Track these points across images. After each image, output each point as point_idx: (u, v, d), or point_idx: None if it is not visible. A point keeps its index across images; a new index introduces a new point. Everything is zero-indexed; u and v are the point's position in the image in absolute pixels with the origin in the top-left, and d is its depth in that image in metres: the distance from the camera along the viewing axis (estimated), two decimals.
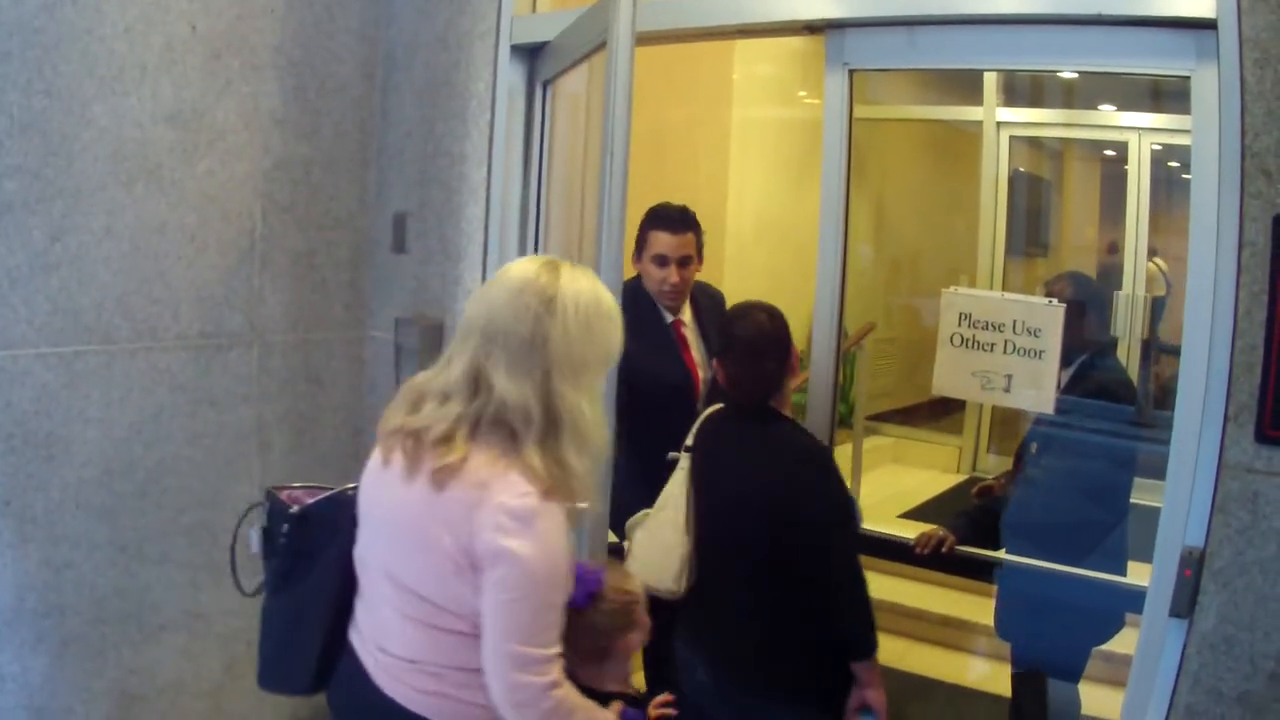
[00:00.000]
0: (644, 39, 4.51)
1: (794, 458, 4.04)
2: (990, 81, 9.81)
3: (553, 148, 5.13)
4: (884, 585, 6.89)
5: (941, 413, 10.56)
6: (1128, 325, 8.85)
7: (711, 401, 4.49)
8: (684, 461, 4.37)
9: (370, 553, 3.10)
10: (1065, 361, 4.75)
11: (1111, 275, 9.59)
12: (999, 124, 9.93)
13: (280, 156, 5.14)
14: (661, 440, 4.41)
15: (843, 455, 5.89)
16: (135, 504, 4.76)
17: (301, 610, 3.29)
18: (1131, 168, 9.49)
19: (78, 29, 4.38)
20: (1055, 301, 4.39)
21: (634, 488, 4.30)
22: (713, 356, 4.46)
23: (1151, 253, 9.80)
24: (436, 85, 5.22)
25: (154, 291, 4.73)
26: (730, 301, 4.75)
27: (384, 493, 3.03)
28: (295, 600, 3.33)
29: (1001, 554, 4.90)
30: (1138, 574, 4.27)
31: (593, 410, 2.94)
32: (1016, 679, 5.25)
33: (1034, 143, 10.73)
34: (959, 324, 4.49)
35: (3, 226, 4.26)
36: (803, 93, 10.32)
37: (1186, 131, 3.60)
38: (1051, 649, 5.05)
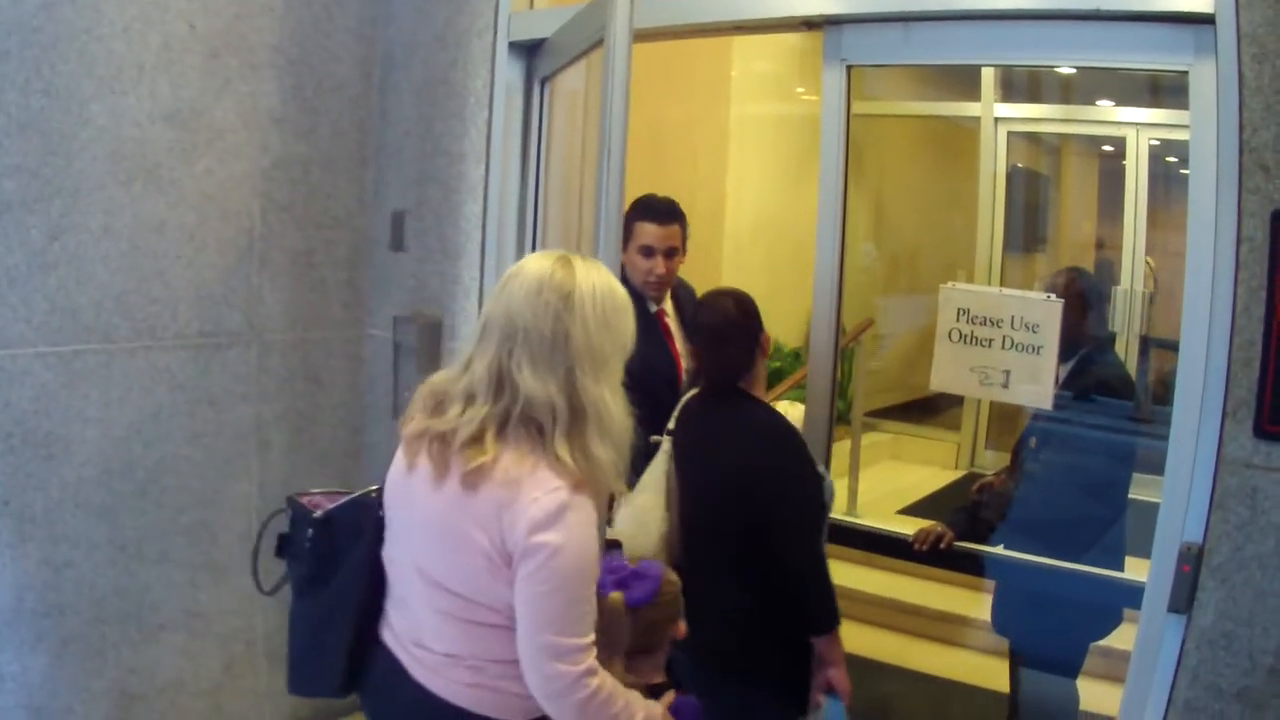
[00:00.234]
0: (642, 35, 4.51)
1: (756, 435, 4.09)
2: (988, 77, 9.81)
3: (551, 145, 5.13)
4: (882, 581, 6.90)
5: (940, 409, 10.57)
6: (1126, 320, 8.85)
7: (692, 387, 4.53)
8: (666, 445, 4.42)
9: (401, 553, 3.12)
10: (1065, 356, 4.76)
11: (1100, 270, 9.59)
12: (997, 119, 9.93)
13: (279, 155, 5.15)
14: (650, 429, 4.43)
15: (841, 451, 5.91)
16: (134, 503, 4.77)
17: (328, 613, 3.31)
18: (1129, 163, 9.48)
19: (76, 28, 4.39)
20: (1053, 297, 4.39)
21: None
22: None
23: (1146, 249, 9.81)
24: (434, 83, 5.22)
25: (152, 291, 4.73)
26: None
27: (413, 496, 3.04)
28: (321, 604, 3.35)
29: (1000, 550, 4.90)
30: (1136, 570, 4.27)
31: (614, 401, 2.97)
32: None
33: (1032, 138, 10.72)
34: (957, 319, 4.49)
35: (1, 226, 4.27)
36: (800, 89, 10.33)
37: (1184, 127, 3.60)
38: (1049, 644, 5.05)
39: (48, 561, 4.53)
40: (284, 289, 5.26)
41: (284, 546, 3.49)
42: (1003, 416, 9.60)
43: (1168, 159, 9.34)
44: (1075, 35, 3.86)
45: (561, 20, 4.70)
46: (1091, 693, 5.10)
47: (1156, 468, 3.69)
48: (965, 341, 4.46)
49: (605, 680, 2.94)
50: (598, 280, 2.98)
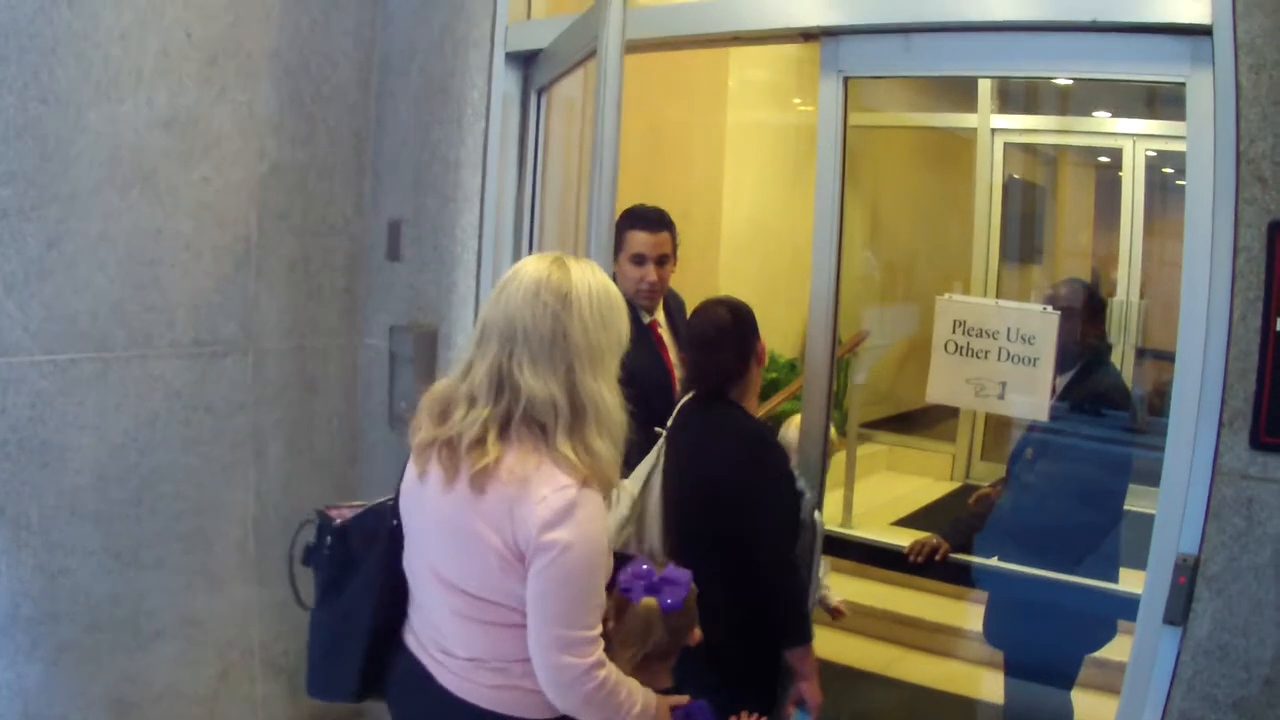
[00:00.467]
0: (640, 46, 4.54)
1: (735, 447, 4.13)
2: (985, 88, 9.82)
3: (548, 154, 5.14)
4: (877, 592, 6.90)
5: (935, 420, 10.57)
6: (1121, 331, 8.87)
7: (685, 395, 4.56)
8: (660, 442, 4.46)
9: (419, 561, 3.18)
10: (1063, 368, 4.77)
11: (1095, 280, 9.60)
12: (993, 130, 9.93)
13: (275, 163, 5.14)
14: (643, 440, 4.45)
15: (836, 462, 5.91)
16: (130, 511, 4.76)
17: (346, 619, 3.39)
18: (1126, 174, 9.49)
19: (74, 34, 4.38)
20: (1050, 308, 4.39)
21: None
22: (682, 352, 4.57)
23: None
24: (432, 92, 5.22)
25: (149, 298, 4.73)
26: None
27: (425, 504, 3.10)
28: (340, 610, 3.43)
29: (995, 561, 4.90)
30: (1130, 581, 4.27)
31: (611, 396, 3.04)
32: None
33: (1028, 149, 10.73)
34: (953, 331, 4.49)
35: None
36: (797, 99, 10.33)
37: (1181, 138, 3.59)
38: (1043, 656, 5.05)
39: (43, 569, 4.52)
40: (280, 297, 5.25)
41: (309, 555, 3.56)
42: (999, 428, 9.60)
43: (1164, 170, 9.35)
44: (1073, 46, 3.87)
45: (558, 30, 4.71)
46: (1086, 704, 5.10)
47: (1153, 479, 3.69)
48: (961, 353, 4.47)
49: (612, 670, 3.03)
50: (592, 279, 3.05)
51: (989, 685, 6.01)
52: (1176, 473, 3.50)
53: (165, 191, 4.74)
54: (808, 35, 4.42)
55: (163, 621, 4.93)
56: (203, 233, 4.89)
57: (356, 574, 3.39)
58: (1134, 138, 9.42)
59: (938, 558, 4.77)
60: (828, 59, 4.37)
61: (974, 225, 9.95)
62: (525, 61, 5.09)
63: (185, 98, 4.77)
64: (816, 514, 4.28)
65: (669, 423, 4.44)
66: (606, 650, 3.04)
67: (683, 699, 3.33)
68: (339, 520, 3.48)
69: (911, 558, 4.81)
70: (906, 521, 8.78)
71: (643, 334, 4.95)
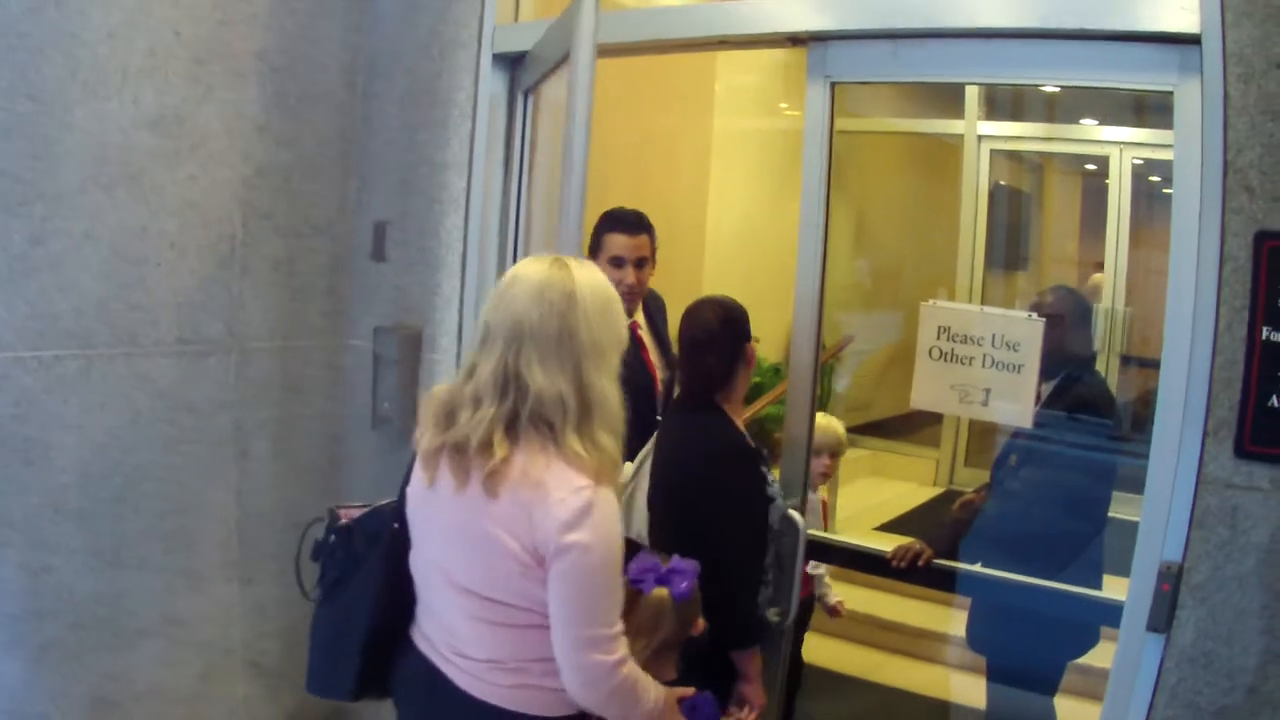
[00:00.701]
0: (627, 50, 4.53)
1: (707, 450, 4.17)
2: (972, 94, 9.83)
3: (534, 156, 5.13)
4: (860, 597, 6.90)
5: (919, 425, 10.58)
6: (1106, 339, 8.89)
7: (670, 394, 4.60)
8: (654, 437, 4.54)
9: (429, 566, 3.21)
10: (1048, 375, 4.77)
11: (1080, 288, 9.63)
12: (980, 137, 9.95)
13: (261, 163, 5.13)
14: (630, 439, 4.46)
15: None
16: (113, 509, 4.76)
17: (346, 618, 3.40)
18: (1112, 182, 9.52)
19: (62, 32, 4.38)
20: (1035, 316, 4.39)
21: None
22: (665, 355, 4.68)
23: (1098, 266, 9.86)
24: (419, 93, 5.22)
25: (134, 297, 4.72)
26: None
27: (436, 510, 3.13)
28: (341, 609, 3.44)
29: (978, 567, 4.90)
30: (1114, 588, 4.27)
31: (615, 392, 3.10)
32: None
33: (1015, 156, 10.75)
34: (938, 337, 4.49)
35: None
36: (784, 104, 10.33)
37: (1168, 146, 3.60)
38: (1026, 662, 5.06)
39: (26, 566, 4.51)
40: (265, 297, 5.24)
41: (317, 552, 3.58)
42: (982, 433, 9.62)
43: (1150, 178, 9.38)
44: (1062, 54, 3.85)
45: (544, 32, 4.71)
46: (1069, 710, 5.11)
47: (1136, 486, 3.69)
48: (946, 359, 4.46)
49: (633, 668, 3.09)
50: (593, 278, 3.11)
51: (972, 690, 6.01)
52: (1161, 480, 3.49)
53: (151, 190, 4.73)
54: (795, 40, 4.40)
55: (145, 620, 4.92)
56: (188, 232, 4.88)
57: (359, 574, 3.41)
58: (1121, 145, 9.44)
59: (921, 563, 4.77)
60: (815, 64, 4.36)
61: (960, 232, 9.96)
62: (512, 63, 5.08)
63: (172, 97, 4.76)
64: (797, 515, 4.28)
65: (660, 420, 4.51)
66: None
67: (688, 691, 3.40)
68: (344, 520, 3.51)
69: (894, 563, 4.81)
70: (890, 526, 8.80)
71: None
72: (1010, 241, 10.77)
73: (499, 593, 3.00)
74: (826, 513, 6.09)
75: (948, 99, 10.19)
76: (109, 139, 4.57)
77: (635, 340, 5.05)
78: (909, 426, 10.61)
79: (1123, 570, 3.71)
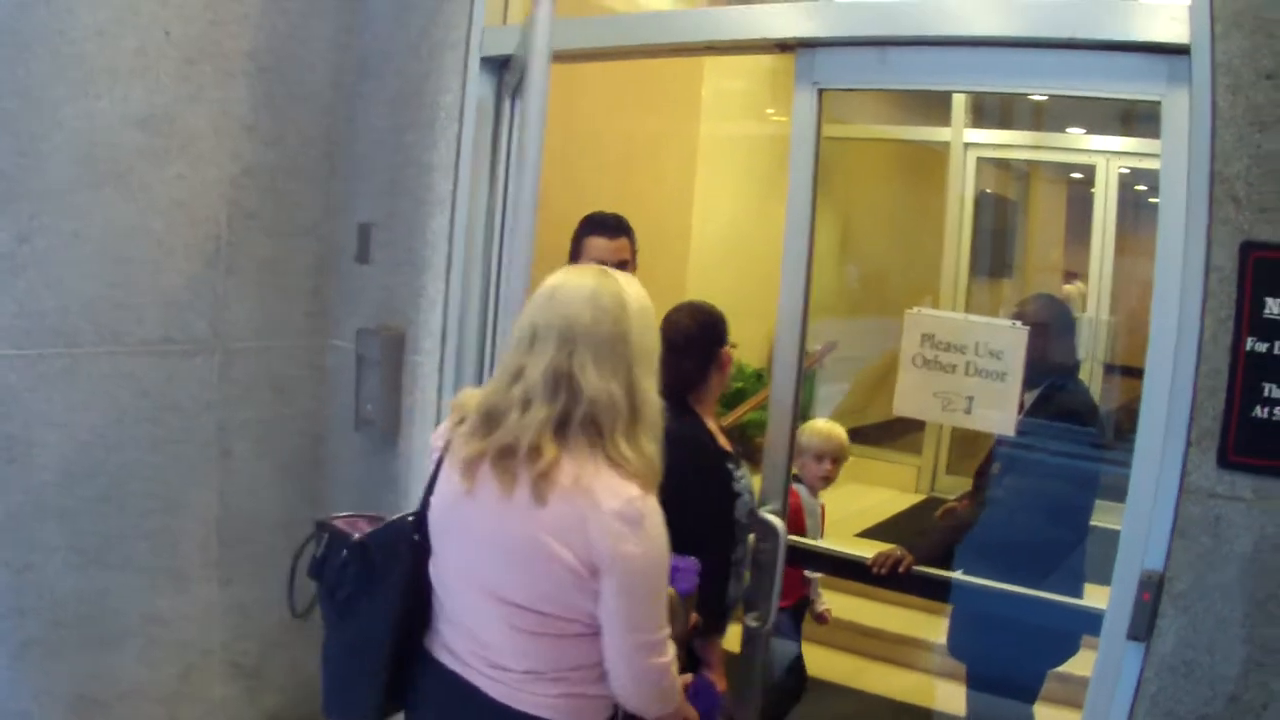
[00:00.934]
0: (614, 54, 4.53)
1: (673, 447, 4.15)
2: (959, 102, 9.85)
3: (520, 159, 5.14)
4: (840, 603, 6.90)
5: (901, 432, 10.60)
6: (1091, 348, 8.91)
7: None
8: None
9: (458, 577, 3.17)
10: (1032, 383, 4.78)
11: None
12: (966, 145, 9.97)
13: (248, 163, 5.13)
14: None
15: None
16: (97, 508, 4.75)
17: (366, 638, 3.33)
18: (1098, 191, 9.53)
19: (50, 30, 4.37)
20: (1019, 324, 4.39)
21: None
22: None
23: (1073, 276, 9.89)
24: (407, 95, 5.21)
25: (119, 295, 4.71)
26: None
27: (476, 518, 3.07)
28: (358, 629, 3.36)
29: (959, 574, 4.91)
30: (1095, 597, 4.27)
31: (658, 399, 3.13)
32: None
33: (1001, 164, 10.77)
34: (921, 345, 4.49)
35: None
36: (771, 110, 10.34)
37: (1154, 155, 3.60)
38: (1006, 669, 5.06)
39: (8, 564, 4.50)
40: (250, 297, 5.23)
41: (318, 569, 3.51)
42: (964, 441, 9.64)
43: (1137, 187, 9.40)
44: (1050, 63, 3.86)
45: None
46: (1048, 717, 5.11)
47: (1118, 494, 3.69)
48: (929, 366, 4.46)
49: (674, 665, 3.15)
50: (638, 288, 3.17)
51: (952, 698, 6.02)
52: (1143, 489, 3.50)
53: (139, 189, 4.73)
54: (783, 46, 4.40)
55: (127, 620, 4.92)
56: (174, 231, 4.88)
57: (377, 591, 3.33)
58: (1107, 155, 9.46)
59: (901, 570, 4.77)
60: (803, 70, 4.36)
61: (945, 239, 9.98)
62: (500, 66, 5.07)
63: (161, 97, 4.76)
64: (777, 520, 4.31)
65: None
66: None
67: (688, 678, 3.46)
68: (357, 535, 3.41)
69: (875, 569, 4.81)
70: (871, 533, 8.80)
71: None
72: (996, 249, 10.80)
73: (545, 604, 2.99)
74: (824, 517, 6.11)
75: (935, 106, 10.21)
76: (97, 137, 4.56)
77: None
78: (891, 433, 10.62)
79: (1104, 579, 3.72)
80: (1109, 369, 9.11)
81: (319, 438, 5.62)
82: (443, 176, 5.07)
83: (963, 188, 10.00)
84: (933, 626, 6.86)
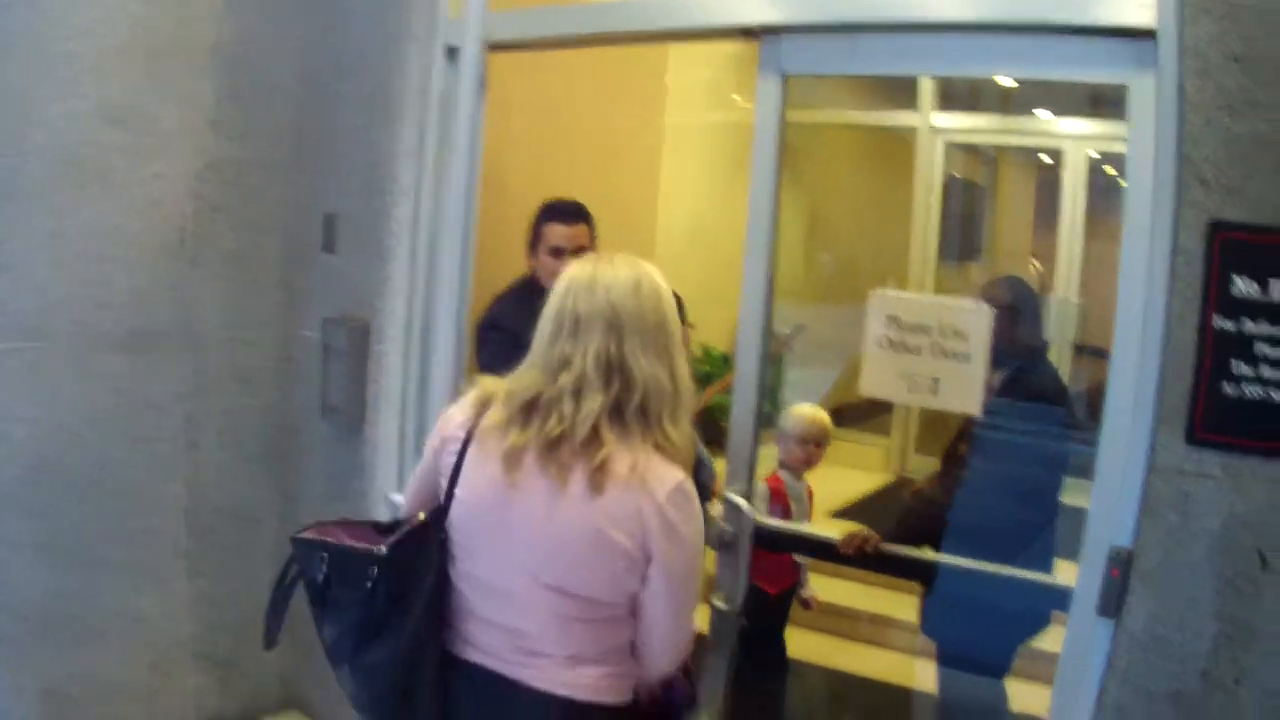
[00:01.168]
0: (576, 42, 4.52)
1: None
2: (926, 87, 9.86)
3: (485, 149, 5.13)
4: (813, 584, 6.91)
5: (870, 413, 10.61)
6: (1059, 330, 8.93)
7: None
8: None
9: (504, 571, 3.10)
10: (999, 365, 4.78)
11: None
12: (934, 129, 9.98)
13: (213, 158, 5.14)
14: None
15: (770, 455, 5.90)
16: (68, 504, 4.76)
17: (413, 656, 3.16)
18: (1067, 174, 9.55)
19: (32, 30, 4.37)
20: (982, 304, 4.40)
21: None
22: None
23: (1031, 257, 9.92)
24: (373, 86, 5.21)
25: (89, 290, 4.73)
26: None
27: (525, 510, 3.04)
28: (401, 647, 3.14)
29: (928, 553, 4.91)
30: (1064, 573, 4.29)
31: (689, 378, 3.20)
32: None
33: (969, 149, 10.78)
34: (886, 326, 4.49)
35: None
36: (737, 96, 10.33)
37: (1123, 139, 3.61)
38: (977, 646, 5.08)
39: None
40: (217, 290, 5.25)
41: (320, 593, 3.31)
42: (933, 421, 9.66)
43: (1106, 170, 9.42)
44: (1017, 47, 3.85)
45: None
46: (1020, 692, 5.14)
47: (1087, 473, 3.71)
48: (894, 348, 4.47)
49: None
50: (660, 277, 3.23)
51: (924, 675, 6.04)
52: (1111, 467, 3.51)
53: (115, 187, 4.76)
54: (748, 33, 4.38)
55: (100, 616, 4.93)
56: (142, 226, 4.89)
57: (412, 601, 3.15)
58: (1075, 138, 9.49)
59: (868, 550, 4.78)
60: (768, 57, 4.35)
61: (913, 224, 9.99)
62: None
63: (132, 94, 4.77)
64: (742, 502, 4.35)
65: None
66: None
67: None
68: (378, 549, 3.16)
69: (842, 550, 4.82)
70: (842, 514, 8.81)
71: None
72: (964, 234, 10.82)
73: (600, 590, 3.03)
74: (813, 500, 6.15)
75: (902, 91, 10.22)
76: (74, 135, 4.58)
77: None
78: (860, 414, 10.63)
79: (1073, 555, 3.73)
80: (1078, 350, 9.13)
81: (287, 429, 5.63)
82: (406, 166, 5.08)
83: (930, 172, 10.01)
84: (904, 605, 6.88)
